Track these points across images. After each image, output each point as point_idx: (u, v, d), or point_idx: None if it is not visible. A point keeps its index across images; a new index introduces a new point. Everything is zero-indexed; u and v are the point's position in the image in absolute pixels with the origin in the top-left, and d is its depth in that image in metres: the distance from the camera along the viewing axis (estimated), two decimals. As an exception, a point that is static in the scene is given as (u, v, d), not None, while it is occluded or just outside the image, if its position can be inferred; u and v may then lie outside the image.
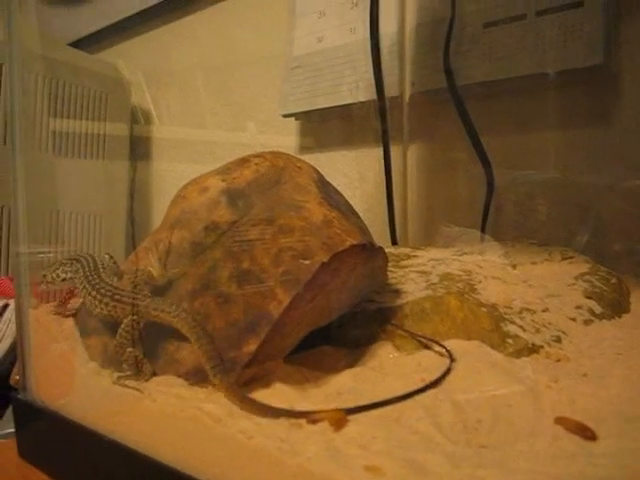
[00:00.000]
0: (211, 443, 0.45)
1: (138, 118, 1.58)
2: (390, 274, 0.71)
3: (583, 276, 0.72)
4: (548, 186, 0.96)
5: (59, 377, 0.63)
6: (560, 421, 0.42)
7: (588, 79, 0.91)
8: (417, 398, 0.48)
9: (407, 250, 0.84)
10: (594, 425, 0.41)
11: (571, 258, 0.78)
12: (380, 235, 1.01)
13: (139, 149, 1.58)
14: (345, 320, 0.63)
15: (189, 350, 0.52)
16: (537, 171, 0.98)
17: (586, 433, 0.40)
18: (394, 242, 1.04)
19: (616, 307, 0.69)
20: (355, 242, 0.53)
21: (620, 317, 0.68)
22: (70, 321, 0.67)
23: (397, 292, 0.67)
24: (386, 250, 0.63)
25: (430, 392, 0.50)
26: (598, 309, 0.67)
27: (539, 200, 0.96)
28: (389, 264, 0.69)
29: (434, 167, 1.08)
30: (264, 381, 0.51)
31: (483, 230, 0.96)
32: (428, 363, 0.55)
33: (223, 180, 0.58)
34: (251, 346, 0.50)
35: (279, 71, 1.23)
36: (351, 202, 0.67)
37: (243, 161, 0.60)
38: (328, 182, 0.64)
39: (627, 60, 0.88)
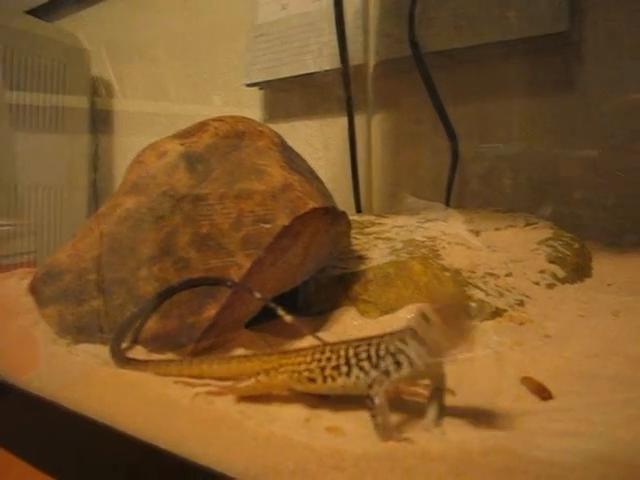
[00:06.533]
0: (171, 410, 0.44)
1: (99, 90, 1.54)
2: (354, 241, 0.70)
3: (546, 241, 0.73)
4: (513, 156, 0.96)
5: (15, 349, 0.62)
6: (525, 381, 0.42)
7: (553, 46, 0.91)
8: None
9: (371, 218, 0.84)
10: (556, 384, 0.41)
11: (535, 224, 0.78)
12: (345, 203, 1.00)
13: (101, 122, 1.55)
14: (309, 286, 0.63)
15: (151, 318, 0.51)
16: (502, 140, 0.98)
17: (544, 394, 0.40)
18: (359, 210, 1.04)
19: (579, 271, 0.69)
20: (317, 205, 0.52)
21: (582, 281, 0.68)
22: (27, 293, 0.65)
23: (361, 258, 0.66)
24: (350, 218, 0.63)
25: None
26: (561, 273, 0.67)
27: (504, 171, 0.96)
28: (353, 231, 0.68)
29: (399, 136, 1.07)
30: (225, 347, 0.50)
31: (448, 199, 0.96)
32: (391, 328, 0.55)
33: (182, 144, 0.57)
34: (211, 311, 0.49)
35: (243, 40, 1.20)
36: (315, 171, 0.66)
37: (202, 125, 0.59)
38: (290, 147, 0.63)
39: (590, 28, 0.88)
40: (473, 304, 0.57)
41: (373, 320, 0.58)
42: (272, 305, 0.50)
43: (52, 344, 0.56)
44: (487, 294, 0.60)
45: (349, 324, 0.59)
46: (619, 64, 0.86)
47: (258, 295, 0.50)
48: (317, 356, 0.40)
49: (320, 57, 1.06)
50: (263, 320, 0.57)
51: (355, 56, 1.04)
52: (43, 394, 0.53)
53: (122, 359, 0.49)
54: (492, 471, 0.29)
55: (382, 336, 0.38)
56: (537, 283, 0.64)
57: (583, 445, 0.31)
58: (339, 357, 0.39)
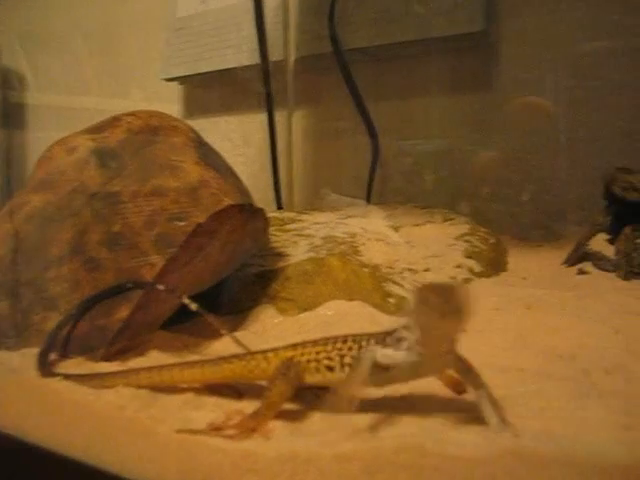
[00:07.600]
0: (80, 416, 0.42)
1: (12, 83, 1.47)
2: (274, 238, 0.70)
3: (463, 237, 0.74)
4: (432, 153, 0.97)
5: None
6: (440, 375, 0.43)
7: (470, 46, 0.93)
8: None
9: (292, 214, 0.83)
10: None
11: (452, 220, 0.80)
12: (265, 200, 1.00)
13: (14, 116, 1.48)
14: (228, 284, 0.62)
15: (55, 321, 0.49)
16: (422, 137, 0.99)
17: (458, 388, 0.40)
18: (280, 207, 1.03)
19: (494, 265, 0.71)
20: (233, 202, 0.51)
21: (498, 275, 0.70)
22: None
23: (280, 255, 0.66)
24: (271, 214, 0.62)
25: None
26: (477, 268, 0.68)
27: (424, 168, 0.98)
28: (273, 228, 0.68)
29: (320, 133, 1.07)
30: (139, 350, 0.49)
31: (369, 196, 0.97)
32: (310, 325, 0.55)
33: (93, 139, 0.55)
34: (123, 312, 0.47)
35: (162, 33, 1.18)
36: (236, 167, 0.64)
37: (114, 120, 0.57)
38: (207, 143, 0.61)
39: (505, 28, 0.90)
40: (391, 300, 0.58)
41: (293, 318, 0.57)
42: (191, 302, 0.49)
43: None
44: (405, 289, 0.60)
45: (268, 322, 0.58)
46: (532, 64, 0.88)
47: (187, 300, 0.49)
48: (338, 345, 0.39)
49: (240, 52, 1.05)
50: (179, 321, 0.55)
51: (275, 52, 1.04)
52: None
53: (49, 371, 0.46)
54: (404, 469, 0.29)
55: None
56: (454, 278, 0.65)
57: (493, 438, 0.31)
58: (360, 347, 0.38)
